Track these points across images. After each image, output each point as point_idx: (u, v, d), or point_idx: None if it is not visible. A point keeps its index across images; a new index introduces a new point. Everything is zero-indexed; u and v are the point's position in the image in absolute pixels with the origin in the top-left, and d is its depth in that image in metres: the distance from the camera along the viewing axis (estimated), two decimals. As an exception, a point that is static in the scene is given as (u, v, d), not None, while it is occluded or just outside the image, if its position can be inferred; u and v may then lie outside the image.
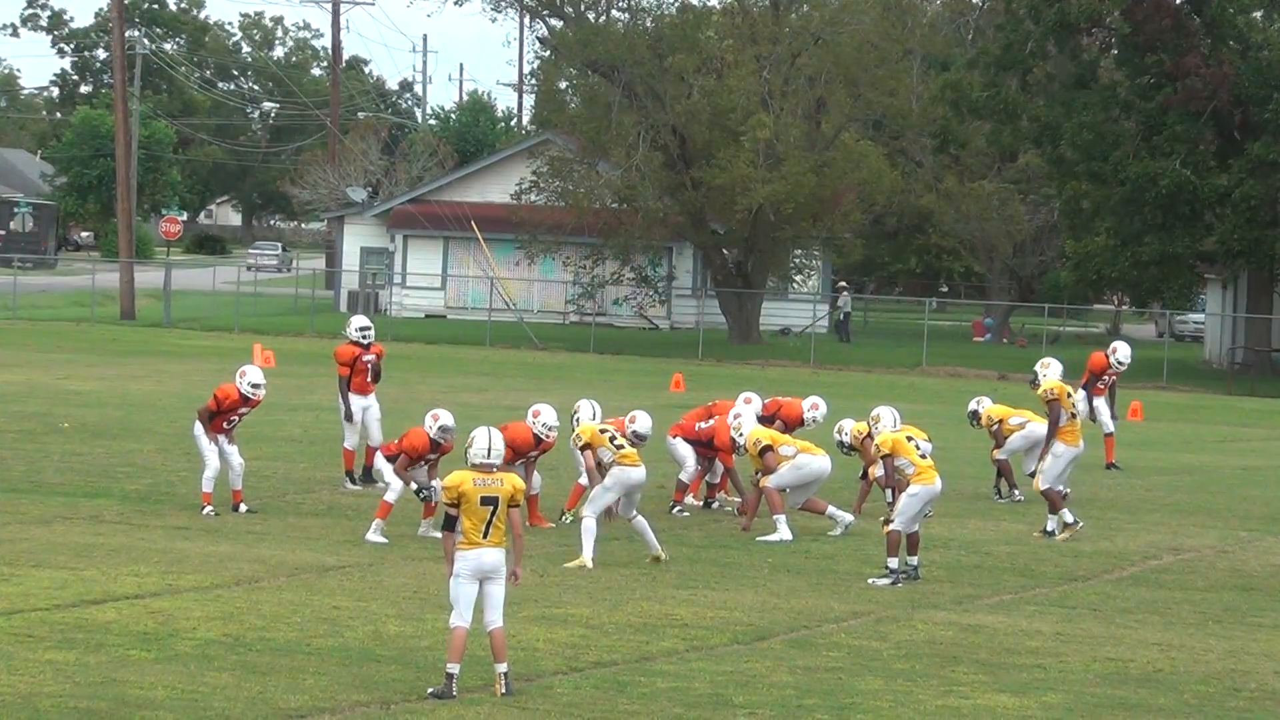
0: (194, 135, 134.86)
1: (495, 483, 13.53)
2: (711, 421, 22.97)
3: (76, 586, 16.68)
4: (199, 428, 21.47)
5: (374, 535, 19.98)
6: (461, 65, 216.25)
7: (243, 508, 21.51)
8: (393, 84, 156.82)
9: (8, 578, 16.94)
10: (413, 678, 13.75)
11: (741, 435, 21.82)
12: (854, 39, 62.64)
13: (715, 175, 60.76)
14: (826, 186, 61.67)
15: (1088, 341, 64.33)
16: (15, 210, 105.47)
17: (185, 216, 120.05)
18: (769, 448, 21.41)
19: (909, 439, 19.45)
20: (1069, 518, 22.01)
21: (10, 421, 30.05)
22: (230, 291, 71.20)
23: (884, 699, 13.78)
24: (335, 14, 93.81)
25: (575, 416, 20.91)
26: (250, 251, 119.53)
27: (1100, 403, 28.79)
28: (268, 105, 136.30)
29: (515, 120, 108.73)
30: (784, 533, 21.06)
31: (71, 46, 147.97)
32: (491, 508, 13.42)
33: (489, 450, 13.70)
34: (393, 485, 20.23)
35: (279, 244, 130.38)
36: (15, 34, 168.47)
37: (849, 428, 22.86)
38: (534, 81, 76.27)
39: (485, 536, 13.39)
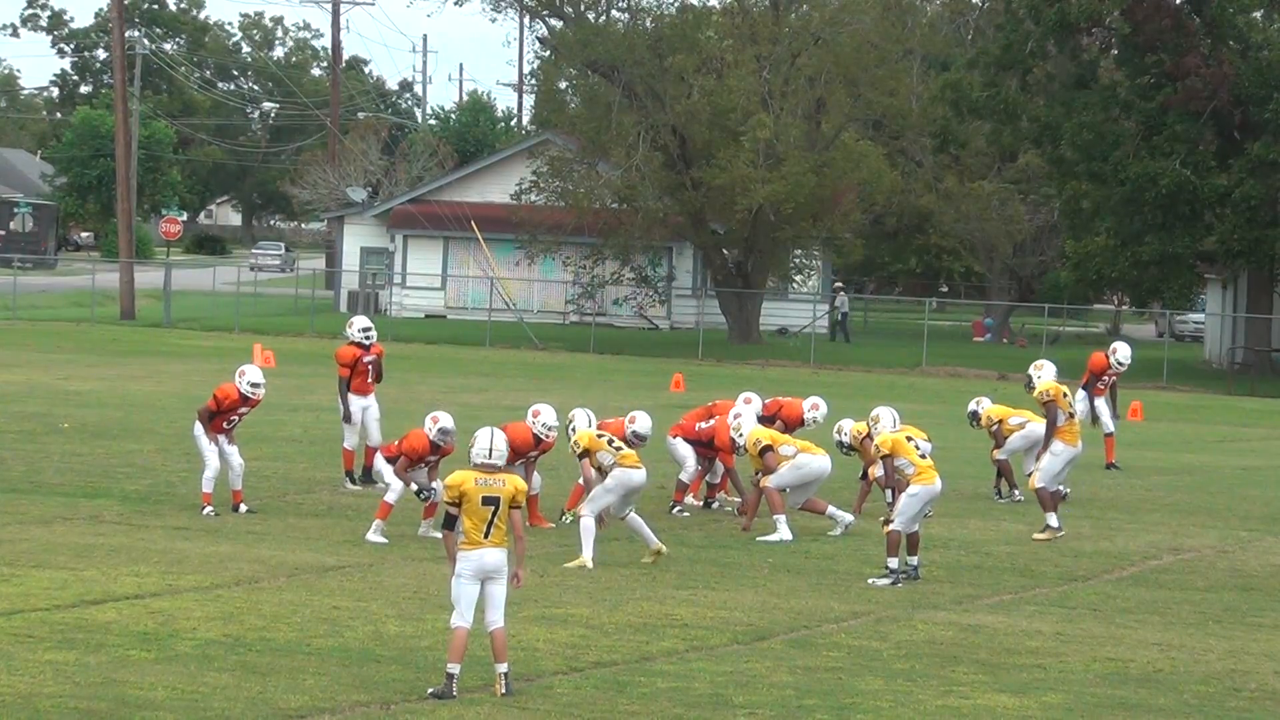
0: (194, 135, 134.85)
1: (497, 483, 13.53)
2: (712, 421, 22.97)
3: (76, 587, 16.67)
4: (199, 428, 21.48)
5: (374, 535, 19.98)
6: (461, 65, 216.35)
7: (243, 508, 21.51)
8: (393, 84, 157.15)
9: (8, 578, 16.94)
10: (413, 678, 13.75)
11: (741, 435, 21.82)
12: (854, 39, 62.61)
13: (715, 175, 60.72)
14: (826, 186, 61.64)
15: (1088, 341, 64.38)
16: (15, 210, 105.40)
17: (185, 217, 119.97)
18: (769, 448, 21.41)
19: (909, 439, 19.47)
20: (1053, 521, 21.99)
21: (10, 421, 30.04)
22: (230, 292, 71.17)
23: (884, 699, 13.78)
24: (335, 14, 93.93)
25: (571, 425, 20.81)
26: (253, 252, 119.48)
27: (1101, 403, 28.80)
28: (268, 105, 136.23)
29: (515, 120, 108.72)
30: (784, 533, 21.06)
31: (71, 47, 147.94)
32: (493, 508, 13.43)
33: (491, 450, 13.71)
34: (393, 486, 20.24)
35: (282, 244, 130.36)
36: (15, 34, 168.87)
37: (848, 428, 22.86)
38: (534, 81, 76.24)
39: (486, 537, 13.40)
